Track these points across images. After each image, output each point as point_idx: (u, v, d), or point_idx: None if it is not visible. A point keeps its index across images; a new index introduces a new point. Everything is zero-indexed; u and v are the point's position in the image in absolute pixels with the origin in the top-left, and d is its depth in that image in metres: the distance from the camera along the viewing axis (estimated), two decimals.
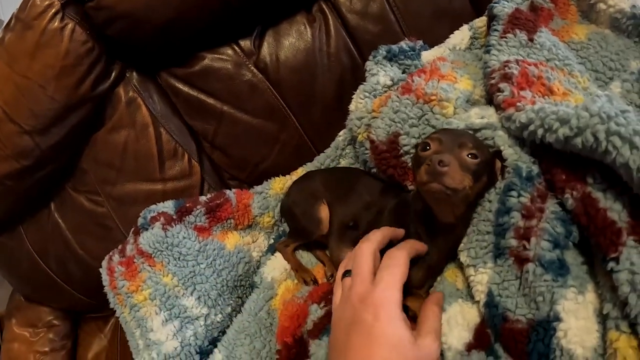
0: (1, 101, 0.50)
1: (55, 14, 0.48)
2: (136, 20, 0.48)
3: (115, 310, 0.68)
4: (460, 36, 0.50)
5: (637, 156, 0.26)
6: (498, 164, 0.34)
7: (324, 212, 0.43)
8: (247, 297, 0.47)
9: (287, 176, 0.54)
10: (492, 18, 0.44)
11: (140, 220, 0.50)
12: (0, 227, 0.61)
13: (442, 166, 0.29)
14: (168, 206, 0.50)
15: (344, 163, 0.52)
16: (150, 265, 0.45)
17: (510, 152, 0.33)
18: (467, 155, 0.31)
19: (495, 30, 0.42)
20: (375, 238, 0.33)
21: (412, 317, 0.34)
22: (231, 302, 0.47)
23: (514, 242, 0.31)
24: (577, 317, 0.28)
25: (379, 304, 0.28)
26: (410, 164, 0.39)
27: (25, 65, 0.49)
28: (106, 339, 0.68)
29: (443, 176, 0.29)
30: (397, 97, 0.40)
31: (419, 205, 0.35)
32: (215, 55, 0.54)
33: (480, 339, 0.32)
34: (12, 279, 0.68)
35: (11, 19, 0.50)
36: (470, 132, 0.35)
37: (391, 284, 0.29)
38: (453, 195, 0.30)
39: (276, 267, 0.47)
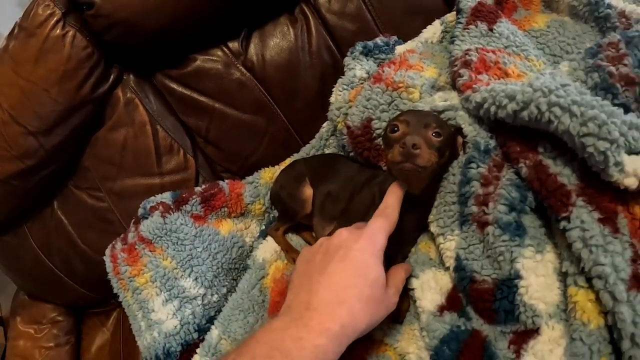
0: (7, 105, 0.54)
1: (57, 22, 0.52)
2: (132, 26, 0.52)
3: (117, 305, 0.71)
4: (433, 30, 0.53)
5: (576, 123, 0.29)
6: (459, 140, 0.37)
7: (307, 192, 0.47)
8: (240, 279, 0.50)
9: (276, 167, 0.58)
10: (458, 12, 0.48)
11: (140, 211, 0.53)
12: (5, 226, 0.63)
13: (415, 149, 0.31)
14: (166, 197, 0.54)
15: (328, 152, 0.56)
16: (150, 251, 0.48)
17: (470, 129, 0.37)
18: (432, 134, 0.34)
19: (460, 22, 0.46)
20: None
21: None
22: (226, 283, 0.50)
23: (475, 209, 0.34)
24: (536, 274, 0.31)
25: (368, 240, 0.29)
26: (383, 146, 0.42)
27: (30, 70, 0.52)
28: (109, 332, 0.70)
29: (416, 158, 0.32)
30: (369, 86, 0.44)
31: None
32: (206, 57, 0.58)
33: (452, 302, 0.35)
34: (17, 277, 0.70)
35: (14, 27, 0.54)
36: (434, 112, 0.38)
37: (381, 229, 0.31)
38: (422, 171, 0.33)
39: (267, 249, 0.50)
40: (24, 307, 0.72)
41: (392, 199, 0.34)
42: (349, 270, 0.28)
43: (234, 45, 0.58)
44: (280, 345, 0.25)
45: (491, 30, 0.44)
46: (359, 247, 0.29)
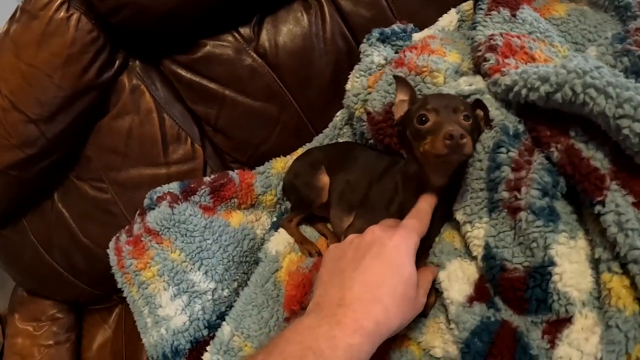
0: (7, 91, 0.51)
1: (61, 4, 0.50)
2: (140, 8, 0.50)
3: (119, 301, 0.69)
4: (449, 19, 0.53)
5: (612, 105, 0.28)
6: (480, 113, 0.36)
7: (323, 180, 0.45)
8: (252, 272, 0.48)
9: (288, 156, 0.56)
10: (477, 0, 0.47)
11: (146, 201, 0.51)
12: (4, 219, 0.61)
13: (462, 139, 0.30)
14: (173, 187, 0.51)
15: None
16: (157, 243, 0.46)
17: (497, 113, 0.36)
18: (462, 118, 0.33)
19: (480, 9, 0.45)
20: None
21: None
22: (237, 277, 0.48)
23: (506, 194, 0.33)
24: (570, 260, 0.30)
25: (403, 238, 0.29)
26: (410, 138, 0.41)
27: (32, 55, 0.50)
28: (110, 330, 0.68)
29: (464, 147, 0.30)
30: (391, 70, 0.43)
31: (412, 170, 0.37)
32: (217, 42, 0.56)
33: (480, 293, 0.34)
34: (16, 273, 0.68)
35: (16, 11, 0.51)
36: (454, 94, 0.37)
37: (414, 230, 0.31)
38: (465, 159, 0.32)
39: (280, 241, 0.48)
40: (23, 303, 0.69)
41: (426, 205, 0.34)
42: (384, 268, 0.27)
43: (245, 30, 0.57)
44: (312, 344, 0.24)
45: (514, 16, 0.43)
46: (394, 244, 0.29)
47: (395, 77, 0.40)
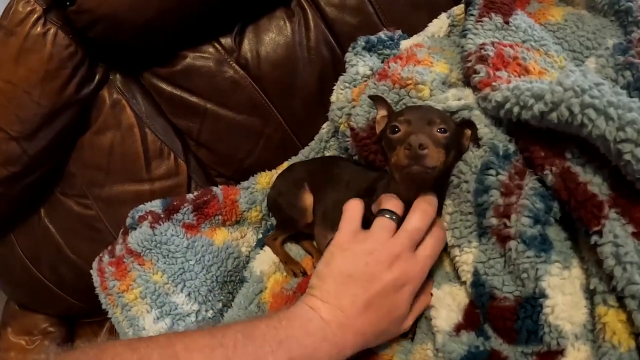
0: None
1: (38, 19, 0.49)
2: (117, 21, 0.49)
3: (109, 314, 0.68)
4: (439, 24, 0.50)
5: (612, 127, 0.26)
6: (467, 132, 0.34)
7: (308, 200, 0.44)
8: (237, 292, 0.47)
9: (273, 171, 0.55)
10: (468, 4, 0.44)
11: (128, 220, 0.50)
12: None
13: (422, 149, 0.29)
14: (156, 205, 0.50)
15: (328, 155, 0.52)
16: (139, 264, 0.45)
17: (486, 131, 0.33)
18: (437, 131, 0.31)
19: (471, 14, 0.42)
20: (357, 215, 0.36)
21: None
22: (222, 297, 0.47)
23: (494, 221, 0.31)
24: (563, 292, 0.28)
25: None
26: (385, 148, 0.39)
27: (10, 71, 0.49)
28: None
29: (424, 159, 0.29)
30: (374, 83, 0.41)
31: (393, 186, 0.35)
32: (197, 54, 0.55)
33: (469, 320, 0.32)
34: (5, 287, 0.68)
35: None
36: (435, 107, 0.35)
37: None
38: (432, 172, 0.31)
39: (265, 260, 0.47)
40: (15, 317, 0.69)
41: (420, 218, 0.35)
42: (349, 267, 0.34)
43: (226, 41, 0.55)
44: (307, 304, 0.32)
45: (507, 23, 0.40)
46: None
47: (371, 97, 0.38)
